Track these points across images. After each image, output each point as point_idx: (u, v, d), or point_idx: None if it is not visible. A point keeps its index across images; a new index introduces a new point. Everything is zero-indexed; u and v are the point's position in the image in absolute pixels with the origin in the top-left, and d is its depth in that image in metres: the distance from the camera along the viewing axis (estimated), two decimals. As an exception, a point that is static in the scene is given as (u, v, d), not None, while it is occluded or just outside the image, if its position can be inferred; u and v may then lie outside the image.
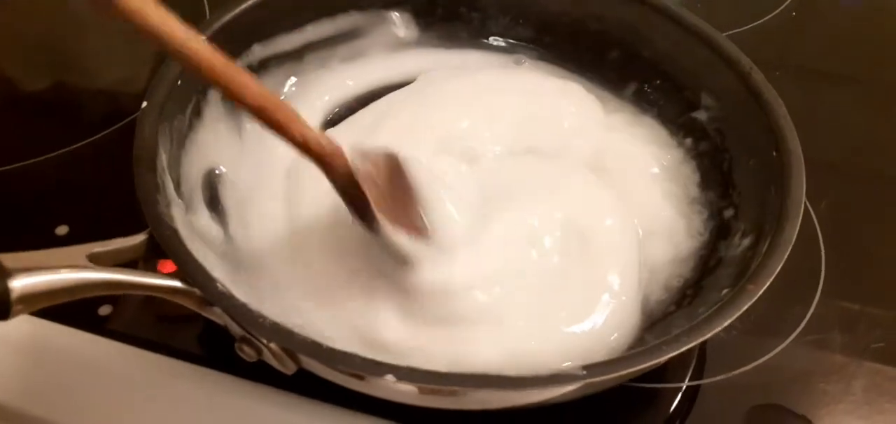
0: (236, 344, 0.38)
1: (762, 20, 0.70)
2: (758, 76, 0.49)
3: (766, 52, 0.66)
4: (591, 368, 0.33)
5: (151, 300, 0.43)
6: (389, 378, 0.33)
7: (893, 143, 0.62)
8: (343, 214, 0.44)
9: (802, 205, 0.41)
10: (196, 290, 0.36)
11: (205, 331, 0.46)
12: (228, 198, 0.49)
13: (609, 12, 0.57)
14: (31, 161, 0.56)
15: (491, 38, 0.60)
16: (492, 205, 0.46)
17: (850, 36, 0.72)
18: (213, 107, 0.51)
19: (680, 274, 0.47)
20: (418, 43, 0.60)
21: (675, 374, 0.45)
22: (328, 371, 0.36)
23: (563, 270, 0.44)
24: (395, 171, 0.42)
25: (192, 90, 0.49)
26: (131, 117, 0.58)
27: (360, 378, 0.34)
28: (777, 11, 0.71)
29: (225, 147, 0.51)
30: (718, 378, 0.45)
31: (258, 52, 0.55)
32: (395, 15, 0.59)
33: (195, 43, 0.36)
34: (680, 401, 0.44)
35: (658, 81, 0.55)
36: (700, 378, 0.45)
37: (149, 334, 0.45)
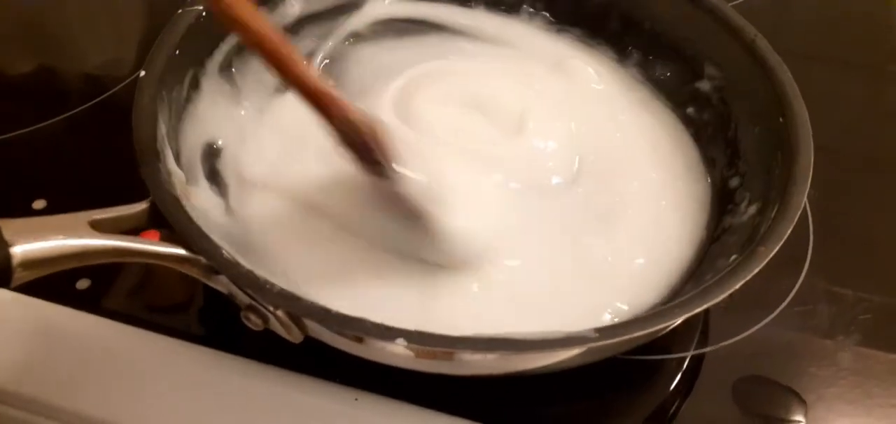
0: (242, 313, 0.37)
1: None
2: (762, 43, 0.48)
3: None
4: (603, 331, 0.33)
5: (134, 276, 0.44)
6: (400, 341, 0.32)
7: (881, 124, 0.62)
8: (344, 192, 0.44)
9: (811, 170, 0.41)
10: (201, 258, 0.35)
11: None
12: (228, 172, 0.48)
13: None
14: (7, 135, 0.55)
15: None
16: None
17: (837, 18, 0.72)
18: (212, 79, 0.50)
19: (690, 245, 0.46)
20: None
21: (680, 344, 0.45)
22: (336, 339, 0.36)
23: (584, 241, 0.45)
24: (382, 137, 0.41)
25: (189, 62, 0.48)
26: (109, 92, 0.58)
27: (362, 341, 0.33)
28: None
29: (224, 120, 0.50)
30: (705, 350, 0.45)
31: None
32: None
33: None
34: (685, 371, 0.44)
35: (661, 52, 0.55)
36: (705, 345, 0.45)
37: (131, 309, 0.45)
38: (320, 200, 0.46)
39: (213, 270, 0.36)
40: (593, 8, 0.57)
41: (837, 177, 0.55)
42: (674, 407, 0.42)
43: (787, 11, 0.71)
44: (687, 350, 0.44)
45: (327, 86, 0.40)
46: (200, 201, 0.44)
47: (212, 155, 0.48)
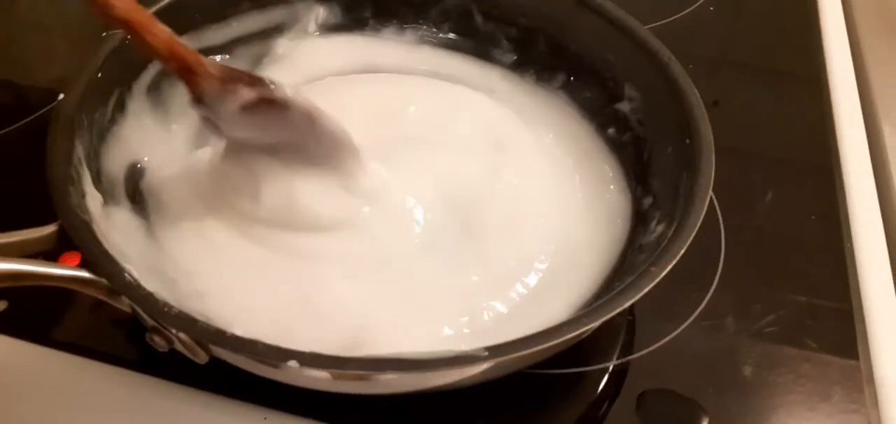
0: (147, 335, 0.38)
1: (681, 14, 0.72)
2: (675, 66, 0.49)
3: (684, 45, 0.63)
4: (494, 349, 0.34)
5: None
6: (292, 363, 0.33)
7: (797, 130, 0.63)
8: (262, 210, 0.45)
9: (709, 190, 0.42)
10: (104, 280, 0.36)
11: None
12: (150, 192, 0.48)
13: (535, 7, 0.57)
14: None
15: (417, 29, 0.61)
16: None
17: (764, 29, 0.74)
18: (139, 100, 0.51)
19: (604, 263, 0.47)
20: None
21: (606, 355, 0.46)
22: (238, 359, 0.36)
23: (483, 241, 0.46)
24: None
25: (114, 83, 0.49)
26: (41, 112, 0.58)
27: (267, 364, 0.34)
28: (695, 6, 0.74)
29: (151, 141, 0.51)
30: (612, 362, 0.45)
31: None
32: (319, 7, 0.59)
33: None
34: (588, 385, 0.45)
35: (584, 74, 0.56)
36: (629, 354, 0.46)
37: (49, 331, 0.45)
38: (235, 219, 0.46)
39: (117, 293, 0.36)
40: (521, 32, 0.58)
41: (754, 185, 0.57)
42: (575, 421, 0.43)
43: (717, 23, 0.73)
44: (592, 363, 0.45)
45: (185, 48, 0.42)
46: (121, 222, 0.45)
47: (135, 175, 0.49)
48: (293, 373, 0.34)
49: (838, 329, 0.48)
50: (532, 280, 0.46)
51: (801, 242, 0.54)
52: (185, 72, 0.42)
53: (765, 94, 0.66)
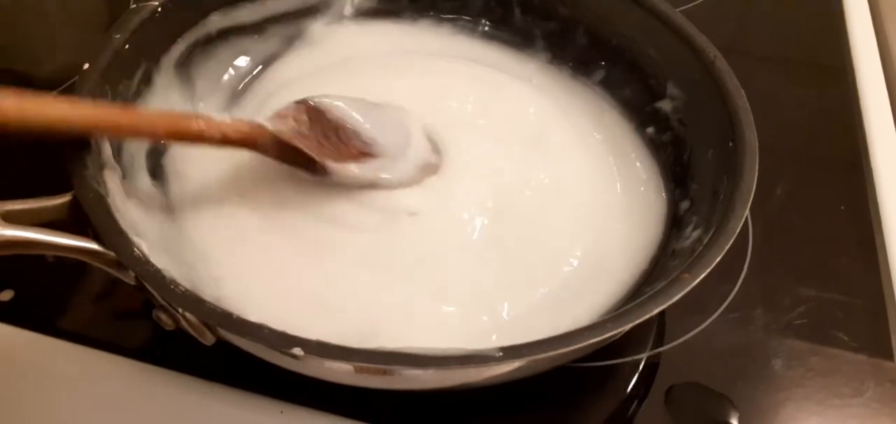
0: (154, 313, 0.36)
1: (698, 1, 0.70)
2: (721, 64, 0.47)
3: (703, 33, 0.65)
4: (509, 350, 0.32)
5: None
6: (297, 350, 0.32)
7: (823, 123, 0.62)
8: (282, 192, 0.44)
9: (751, 197, 0.39)
10: (111, 253, 0.35)
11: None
12: (172, 169, 0.48)
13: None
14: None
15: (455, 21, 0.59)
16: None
17: (784, 17, 0.72)
18: (165, 74, 0.50)
19: (637, 266, 0.45)
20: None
21: (636, 348, 0.45)
22: (245, 343, 0.35)
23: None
24: (314, 115, 0.44)
25: (141, 57, 0.48)
26: (60, 87, 0.57)
27: (272, 349, 0.33)
28: None
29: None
30: (640, 355, 0.45)
31: (216, 21, 0.53)
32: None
33: (85, 108, 0.39)
34: (618, 379, 0.44)
35: (624, 69, 0.54)
36: (658, 346, 0.45)
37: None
38: (259, 196, 0.45)
39: (124, 267, 0.35)
40: (561, 24, 0.56)
41: (781, 177, 0.55)
42: (606, 416, 0.42)
43: (732, 12, 0.71)
44: (621, 356, 0.44)
45: (248, 128, 0.43)
46: (140, 197, 0.44)
47: (158, 151, 0.48)
48: (301, 362, 0.33)
49: (869, 324, 0.47)
50: (558, 281, 0.43)
51: (830, 235, 0.53)
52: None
53: (788, 84, 0.64)
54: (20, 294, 0.46)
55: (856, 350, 0.45)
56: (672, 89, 0.50)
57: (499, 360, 0.32)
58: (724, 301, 0.47)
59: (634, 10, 0.52)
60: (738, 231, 0.38)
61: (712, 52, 0.48)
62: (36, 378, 0.42)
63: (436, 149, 0.48)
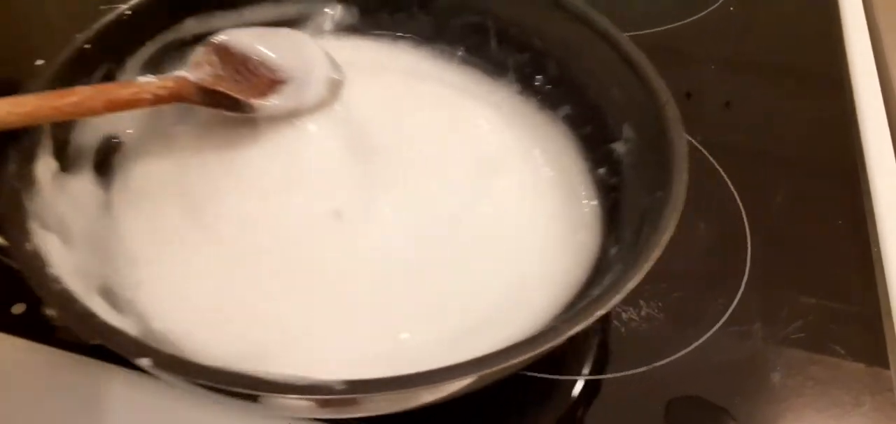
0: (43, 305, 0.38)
1: (700, 15, 0.72)
2: (672, 111, 0.45)
3: (704, 46, 0.69)
4: (352, 384, 0.31)
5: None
6: (145, 361, 0.32)
7: (821, 133, 0.62)
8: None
9: (659, 252, 0.37)
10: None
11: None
12: (122, 167, 0.49)
13: (551, 30, 0.54)
14: None
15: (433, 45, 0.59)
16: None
17: (784, 30, 0.74)
18: (130, 76, 0.52)
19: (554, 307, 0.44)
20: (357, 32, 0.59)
21: (629, 362, 0.45)
22: (112, 344, 0.35)
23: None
24: (223, 54, 0.48)
25: (103, 57, 0.50)
26: None
27: (124, 355, 0.33)
28: (715, 6, 0.74)
29: (136, 116, 0.51)
30: (640, 369, 0.45)
31: (191, 26, 0.55)
32: (333, 6, 0.58)
33: (23, 102, 0.40)
34: (634, 390, 0.44)
35: (588, 107, 0.52)
36: (657, 360, 0.45)
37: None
38: (195, 195, 0.47)
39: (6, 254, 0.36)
40: (534, 56, 0.55)
41: (779, 188, 0.56)
42: None
43: (737, 23, 0.73)
44: (619, 370, 0.45)
45: (173, 83, 0.45)
46: (76, 192, 0.45)
47: (110, 148, 0.50)
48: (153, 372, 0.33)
49: (867, 335, 0.47)
50: (471, 316, 0.43)
51: (828, 247, 0.53)
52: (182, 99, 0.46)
53: (788, 96, 0.65)
54: (32, 307, 0.46)
55: (854, 359, 0.46)
56: (628, 131, 0.49)
57: (343, 393, 0.31)
58: (724, 314, 0.47)
59: (603, 47, 0.51)
60: (633, 284, 0.36)
61: (665, 96, 0.46)
62: (48, 391, 0.43)
63: (335, 65, 0.50)
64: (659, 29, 0.71)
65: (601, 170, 0.49)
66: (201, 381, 0.31)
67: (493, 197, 0.49)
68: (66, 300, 0.34)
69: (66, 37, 0.49)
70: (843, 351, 0.46)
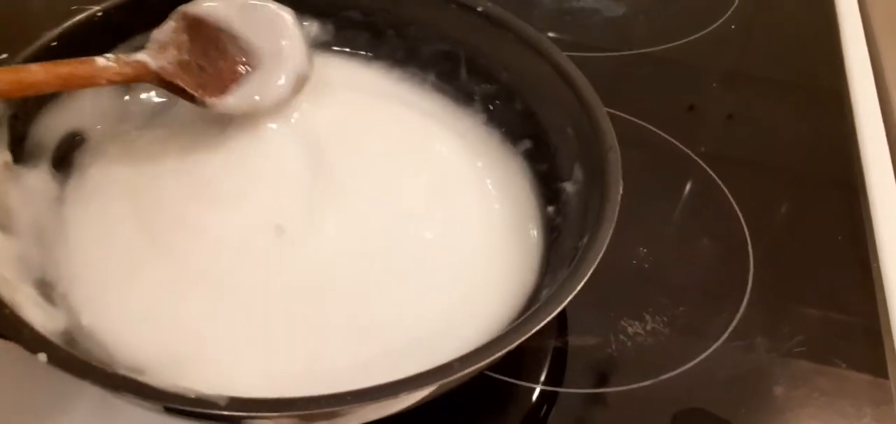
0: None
1: (705, 31, 0.75)
2: (614, 156, 0.45)
3: (708, 61, 0.72)
4: (235, 401, 0.32)
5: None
6: (42, 357, 0.33)
7: (821, 147, 0.64)
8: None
9: (565, 303, 0.37)
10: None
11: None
12: (81, 164, 0.50)
13: (517, 64, 0.54)
14: None
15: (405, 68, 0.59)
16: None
17: (786, 45, 0.76)
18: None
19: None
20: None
21: (633, 376, 0.46)
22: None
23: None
24: (194, 29, 0.48)
25: (71, 56, 0.51)
26: None
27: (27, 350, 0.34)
28: (718, 23, 0.76)
29: (101, 116, 0.53)
30: (646, 382, 0.45)
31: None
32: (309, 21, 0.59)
33: None
34: (639, 404, 0.45)
35: (545, 145, 0.52)
36: (661, 374, 0.46)
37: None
38: (144, 197, 0.48)
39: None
40: (501, 88, 0.55)
41: (781, 203, 0.58)
42: None
43: (739, 40, 0.76)
44: (623, 384, 0.46)
45: (132, 67, 0.46)
46: (29, 184, 0.47)
47: (72, 144, 0.51)
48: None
49: (868, 348, 0.49)
50: (398, 343, 0.43)
51: (829, 261, 0.55)
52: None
53: (789, 111, 0.67)
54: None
55: (856, 371, 0.47)
56: (577, 172, 0.48)
57: (222, 408, 0.32)
58: (727, 327, 0.48)
59: (561, 85, 0.51)
60: (537, 328, 0.36)
61: (611, 142, 0.46)
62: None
63: (308, 57, 0.51)
64: (663, 47, 0.73)
65: (550, 208, 0.49)
66: (90, 380, 0.32)
67: (438, 223, 0.49)
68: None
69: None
70: (844, 364, 0.47)
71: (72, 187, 0.49)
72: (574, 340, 0.47)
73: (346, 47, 0.60)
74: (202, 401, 0.32)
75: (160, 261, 0.45)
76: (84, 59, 0.45)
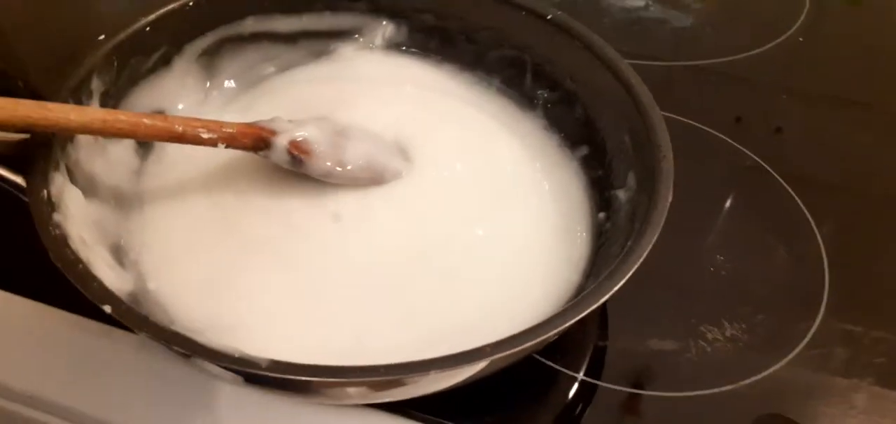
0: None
1: (770, 45, 0.74)
2: (667, 166, 0.45)
3: (774, 76, 0.71)
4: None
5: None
6: (106, 307, 0.36)
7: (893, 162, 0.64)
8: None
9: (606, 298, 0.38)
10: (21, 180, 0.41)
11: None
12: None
13: (580, 72, 0.55)
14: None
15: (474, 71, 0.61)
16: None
17: (855, 62, 0.75)
18: (187, 61, 0.57)
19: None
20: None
21: (714, 380, 0.47)
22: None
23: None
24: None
25: (162, 40, 0.55)
26: None
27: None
28: (784, 36, 0.75)
29: (185, 96, 0.56)
30: (727, 387, 0.47)
31: (251, 24, 0.59)
32: (389, 25, 0.61)
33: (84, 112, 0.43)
34: (719, 408, 0.46)
35: (603, 151, 0.53)
36: (725, 384, 0.47)
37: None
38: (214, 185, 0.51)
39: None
40: (563, 94, 0.57)
41: (853, 216, 0.58)
42: None
43: (807, 55, 0.75)
44: (705, 388, 0.47)
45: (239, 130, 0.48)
46: (114, 156, 0.51)
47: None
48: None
49: None
50: (442, 324, 0.44)
51: None
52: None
53: (858, 127, 0.67)
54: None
55: None
56: (631, 180, 0.49)
57: (262, 369, 0.34)
58: (804, 337, 0.49)
59: (623, 95, 0.51)
60: (565, 327, 0.37)
61: (666, 150, 0.46)
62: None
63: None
64: (732, 57, 0.73)
65: (601, 215, 0.50)
66: (144, 333, 0.35)
67: (492, 219, 0.50)
68: (58, 245, 0.38)
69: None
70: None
71: (151, 162, 0.53)
72: (655, 345, 0.49)
73: (420, 51, 0.62)
74: (245, 361, 0.34)
75: (224, 237, 0.48)
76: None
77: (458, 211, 0.51)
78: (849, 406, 0.46)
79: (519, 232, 0.50)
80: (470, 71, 0.61)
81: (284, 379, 0.35)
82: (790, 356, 0.48)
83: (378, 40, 0.62)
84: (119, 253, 0.46)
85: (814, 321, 0.50)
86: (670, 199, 0.43)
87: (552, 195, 0.52)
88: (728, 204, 0.59)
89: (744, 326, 0.50)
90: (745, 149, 0.62)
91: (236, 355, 0.34)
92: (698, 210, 0.58)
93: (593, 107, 0.54)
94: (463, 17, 0.60)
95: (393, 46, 0.62)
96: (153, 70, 0.55)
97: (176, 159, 0.53)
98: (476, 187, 0.52)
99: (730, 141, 0.63)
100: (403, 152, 0.53)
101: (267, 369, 0.34)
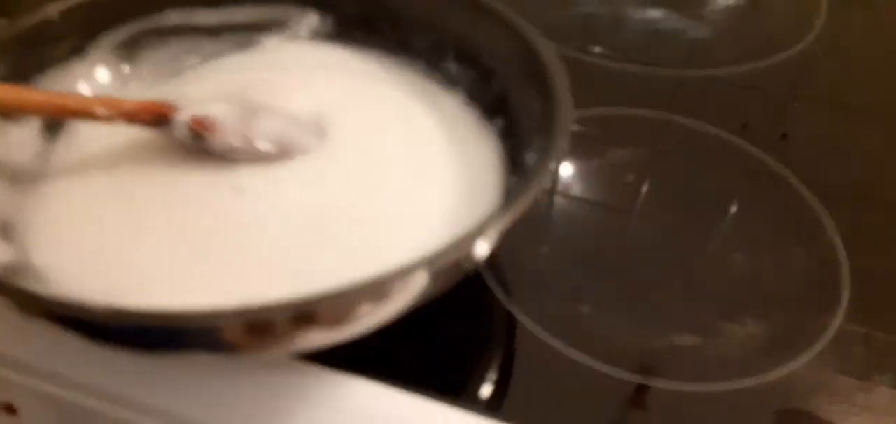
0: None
1: (787, 52, 0.74)
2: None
3: (791, 83, 0.71)
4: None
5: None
6: None
7: None
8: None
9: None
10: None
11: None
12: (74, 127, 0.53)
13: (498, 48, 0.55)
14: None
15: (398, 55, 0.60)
16: None
17: (872, 69, 0.74)
18: (102, 52, 0.56)
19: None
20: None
21: (719, 372, 0.48)
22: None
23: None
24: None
25: (73, 29, 0.55)
26: None
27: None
28: (801, 45, 0.75)
29: (103, 87, 0.56)
30: (748, 381, 0.47)
31: (172, 17, 0.59)
32: (314, 16, 0.61)
33: None
34: (741, 402, 0.46)
35: (520, 122, 0.52)
36: (743, 378, 0.47)
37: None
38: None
39: None
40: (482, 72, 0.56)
41: (872, 219, 0.58)
42: None
43: (824, 62, 0.74)
44: (726, 380, 0.46)
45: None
46: (15, 139, 0.50)
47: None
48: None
49: None
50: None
51: None
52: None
53: (877, 136, 0.66)
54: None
55: None
56: (538, 141, 0.48)
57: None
58: (825, 335, 0.49)
59: (533, 63, 0.51)
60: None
61: (563, 91, 0.46)
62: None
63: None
64: (748, 66, 0.72)
65: (513, 179, 0.49)
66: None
67: (402, 190, 0.49)
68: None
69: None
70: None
71: (61, 144, 0.52)
72: (677, 339, 0.49)
73: (345, 38, 0.61)
74: (84, 309, 0.32)
75: (119, 211, 0.47)
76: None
77: (370, 182, 0.49)
78: (869, 405, 0.46)
79: (430, 200, 0.49)
80: (395, 56, 0.60)
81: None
82: (811, 353, 0.48)
83: (304, 31, 0.62)
84: (6, 230, 0.45)
85: (834, 320, 0.50)
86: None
87: (467, 165, 0.51)
88: (744, 206, 0.59)
89: (764, 323, 0.50)
90: (758, 152, 0.62)
91: (74, 303, 0.33)
92: (714, 211, 0.58)
93: (507, 78, 0.53)
94: (388, 5, 0.60)
95: (319, 36, 0.62)
96: (64, 58, 0.54)
97: (85, 141, 0.52)
98: (390, 160, 0.51)
99: (743, 144, 0.63)
100: (319, 131, 0.52)
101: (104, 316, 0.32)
